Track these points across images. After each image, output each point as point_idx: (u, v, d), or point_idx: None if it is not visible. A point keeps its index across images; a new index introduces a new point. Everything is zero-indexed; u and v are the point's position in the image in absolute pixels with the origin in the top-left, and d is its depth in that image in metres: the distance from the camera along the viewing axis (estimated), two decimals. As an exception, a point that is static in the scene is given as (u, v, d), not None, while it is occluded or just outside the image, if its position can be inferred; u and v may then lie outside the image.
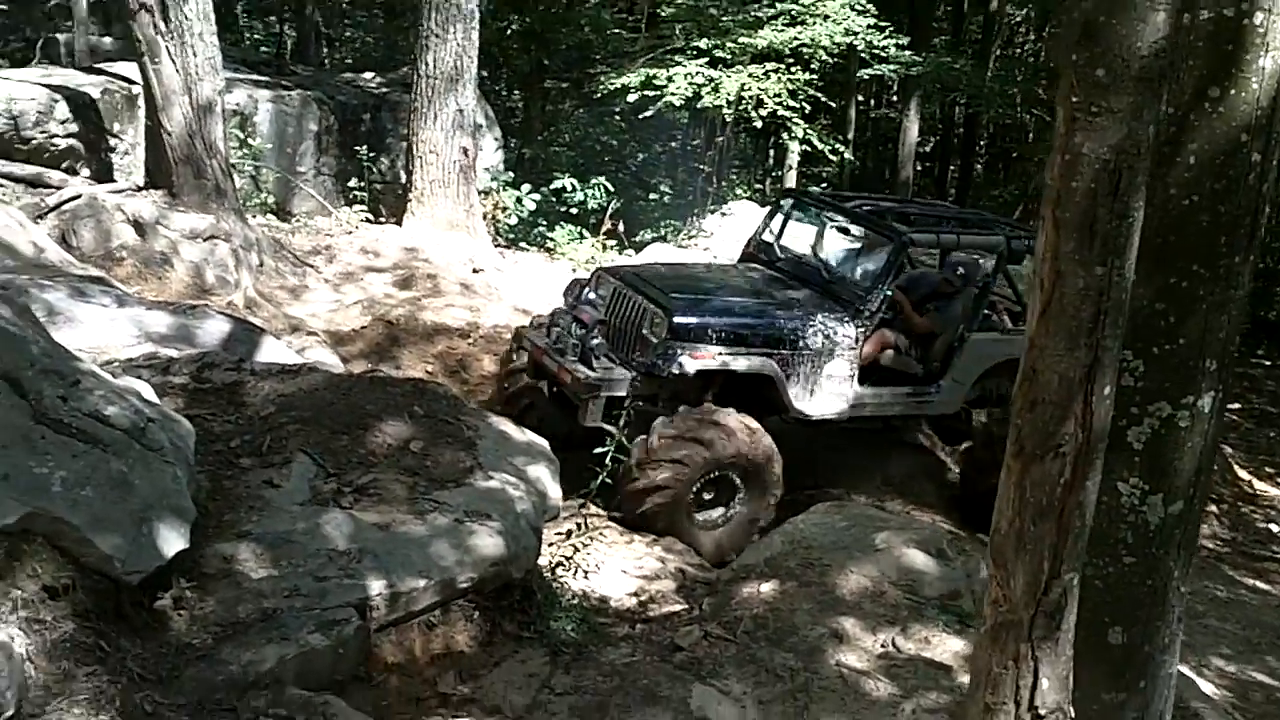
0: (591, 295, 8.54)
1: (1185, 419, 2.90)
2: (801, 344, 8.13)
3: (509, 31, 18.93)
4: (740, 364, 7.97)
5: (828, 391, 8.28)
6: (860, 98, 23.95)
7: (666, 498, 7.41)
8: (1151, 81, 2.29)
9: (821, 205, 9.88)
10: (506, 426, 6.11)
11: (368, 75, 16.05)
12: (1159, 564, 2.97)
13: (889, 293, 8.54)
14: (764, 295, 8.61)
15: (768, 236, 9.56)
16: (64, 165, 11.28)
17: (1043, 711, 2.53)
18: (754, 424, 7.72)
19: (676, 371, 7.69)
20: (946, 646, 5.26)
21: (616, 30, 20.03)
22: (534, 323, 8.97)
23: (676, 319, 7.85)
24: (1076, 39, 2.32)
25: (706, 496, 7.68)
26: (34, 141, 11.10)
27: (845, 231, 9.74)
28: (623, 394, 7.79)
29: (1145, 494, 2.95)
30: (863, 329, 8.34)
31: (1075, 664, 2.63)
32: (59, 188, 10.39)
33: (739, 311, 8.21)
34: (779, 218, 9.66)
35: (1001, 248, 8.86)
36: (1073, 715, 2.62)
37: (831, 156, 17.00)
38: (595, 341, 7.91)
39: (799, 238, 9.76)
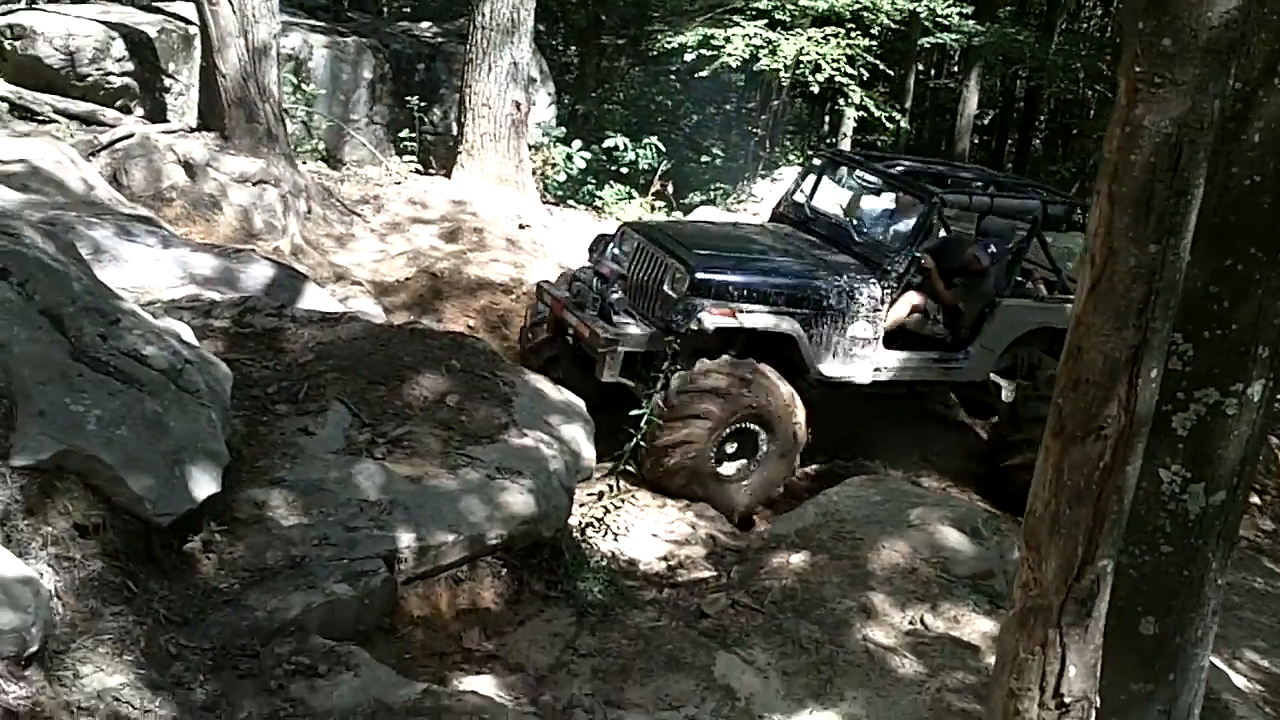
0: (615, 251, 8.45)
1: (1233, 406, 2.81)
2: (825, 304, 7.99)
3: (567, -16, 18.83)
4: (761, 322, 7.83)
5: (851, 354, 8.15)
6: (920, 66, 23.63)
7: (688, 454, 7.34)
8: (1220, 54, 2.19)
9: (854, 165, 9.71)
10: (543, 384, 6.08)
11: (424, 25, 15.97)
12: (1197, 554, 2.89)
13: (918, 255, 8.39)
14: (789, 255, 8.47)
15: (799, 197, 9.39)
16: (118, 103, 11.31)
17: (1068, 699, 2.47)
18: (773, 374, 7.60)
19: (695, 327, 7.55)
20: (976, 626, 5.19)
21: (676, -13, 19.84)
22: (560, 278, 8.89)
23: (698, 275, 7.73)
24: (1144, 6, 2.23)
25: (729, 449, 7.59)
26: (90, 79, 11.13)
27: (878, 193, 9.56)
28: (641, 349, 7.71)
29: (1187, 482, 2.86)
30: (889, 291, 8.20)
31: (1104, 652, 2.56)
32: (112, 126, 10.42)
33: (762, 270, 8.07)
34: (811, 178, 9.51)
35: (1037, 212, 8.66)
36: (1098, 704, 2.55)
37: (888, 124, 16.78)
38: (615, 296, 7.83)
39: (833, 199, 9.60)
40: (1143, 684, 2.94)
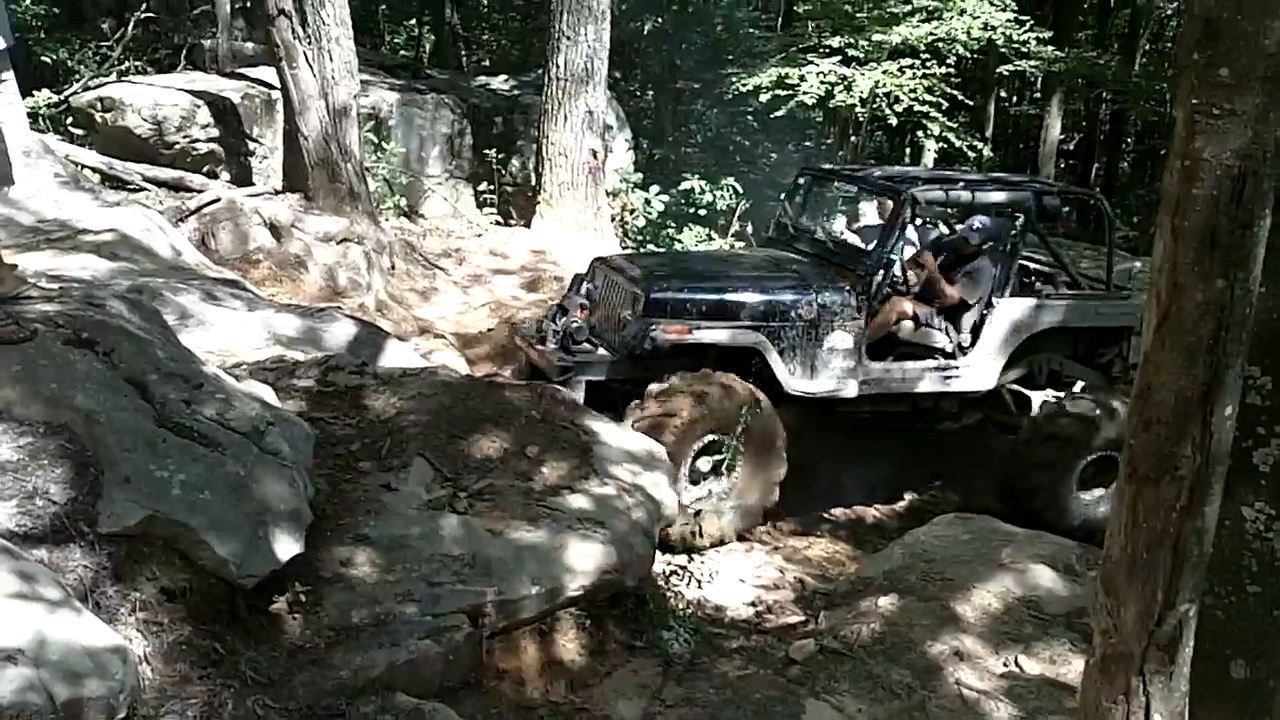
0: (588, 285, 8.23)
1: (1316, 440, 2.72)
2: (794, 315, 7.59)
3: (642, 32, 18.94)
4: (721, 336, 7.47)
5: (831, 366, 7.72)
6: (1002, 94, 23.40)
7: None
8: (1279, 81, 2.14)
9: (834, 178, 9.30)
10: (623, 432, 6.08)
11: (501, 78, 16.22)
12: (1286, 594, 2.80)
13: (893, 257, 7.98)
14: (760, 271, 8.09)
15: (784, 218, 8.99)
16: (205, 169, 11.64)
17: (1155, 749, 2.40)
18: (735, 380, 7.24)
19: (649, 347, 7.22)
20: (1073, 667, 5.04)
21: (750, 29, 19.87)
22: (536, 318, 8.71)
23: (653, 295, 7.40)
24: (1198, 37, 2.18)
25: (704, 467, 7.16)
26: (177, 146, 11.47)
27: (853, 203, 9.28)
28: (601, 377, 7.49)
29: (1272, 520, 2.76)
30: (864, 297, 7.76)
31: (1194, 699, 2.48)
32: (200, 191, 10.72)
33: (723, 287, 7.69)
34: (797, 196, 9.11)
35: (1028, 204, 8.09)
36: (1188, 754, 2.47)
37: (969, 153, 16.63)
38: (575, 326, 7.60)
39: (825, 215, 9.35)
40: (1236, 730, 2.85)
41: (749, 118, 18.93)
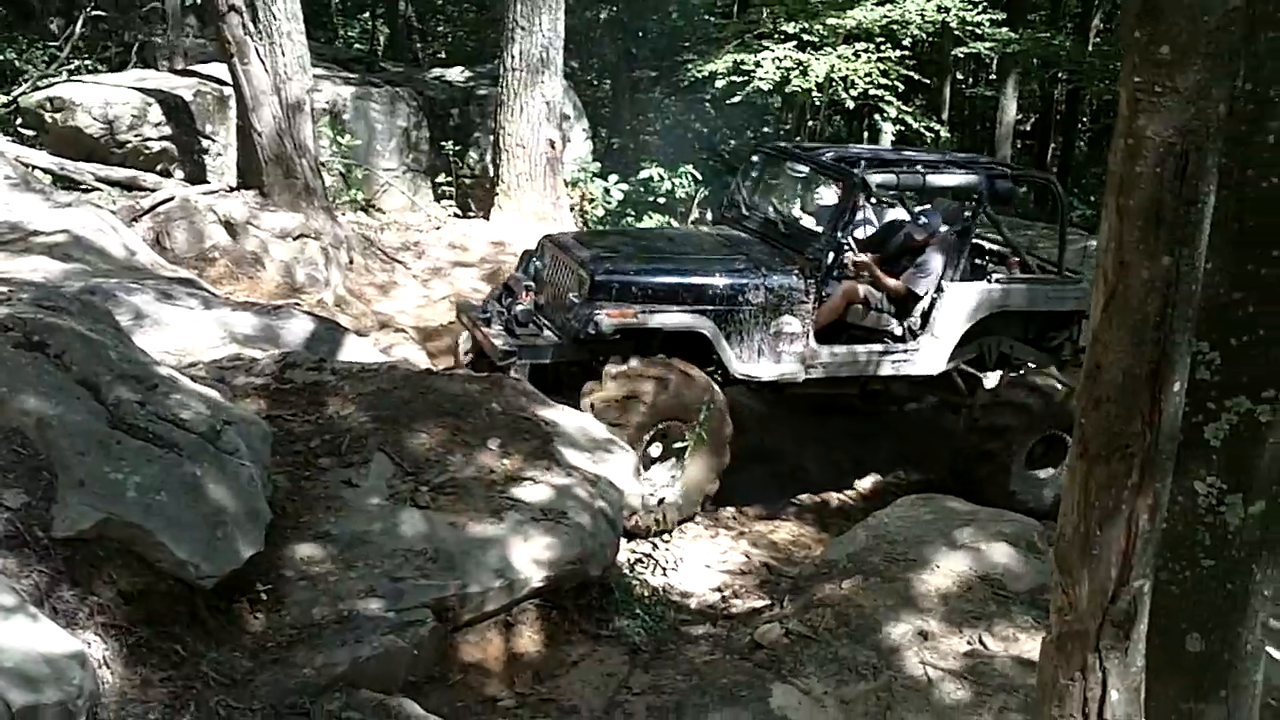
0: (537, 264, 8.16)
1: (1266, 414, 2.73)
2: (741, 299, 7.55)
3: (598, 20, 18.90)
4: (666, 320, 7.39)
5: (778, 350, 7.67)
6: (958, 76, 23.48)
7: None
8: (1220, 57, 2.14)
9: (786, 157, 9.10)
10: (584, 421, 6.07)
11: (456, 70, 16.12)
12: (1239, 567, 2.80)
13: (845, 241, 8.01)
14: (709, 253, 8.03)
15: (739, 196, 8.96)
16: (158, 167, 11.50)
17: (1112, 725, 2.42)
18: (690, 368, 7.24)
19: (593, 331, 7.14)
20: (1036, 644, 5.05)
21: (705, 16, 19.86)
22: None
23: (598, 277, 7.35)
24: (1137, 14, 2.19)
25: (654, 453, 7.19)
26: (129, 145, 11.33)
27: (810, 183, 9.24)
28: (546, 360, 7.43)
29: (1224, 494, 2.78)
30: (813, 281, 7.73)
31: (1150, 674, 2.50)
32: (153, 190, 10.60)
33: (671, 269, 7.64)
34: (750, 176, 9.10)
35: (980, 187, 8.03)
36: (1146, 728, 2.49)
37: (926, 133, 16.68)
38: (519, 308, 7.50)
39: (779, 196, 9.30)
40: (1193, 703, 2.86)
41: (706, 105, 18.93)
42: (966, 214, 8.36)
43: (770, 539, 7.56)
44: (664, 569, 6.34)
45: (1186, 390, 2.37)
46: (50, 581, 3.74)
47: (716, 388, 7.29)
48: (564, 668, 4.96)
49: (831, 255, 7.88)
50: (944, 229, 8.33)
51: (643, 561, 6.21)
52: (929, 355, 8.11)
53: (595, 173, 14.80)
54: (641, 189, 15.06)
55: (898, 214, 9.29)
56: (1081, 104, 26.21)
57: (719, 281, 7.61)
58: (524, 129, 12.83)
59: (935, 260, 8.12)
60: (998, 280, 8.28)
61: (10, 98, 12.20)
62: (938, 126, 17.38)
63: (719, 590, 6.37)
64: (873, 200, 9.00)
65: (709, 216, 14.28)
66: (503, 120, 12.93)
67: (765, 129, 20.36)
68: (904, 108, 15.89)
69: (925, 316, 8.07)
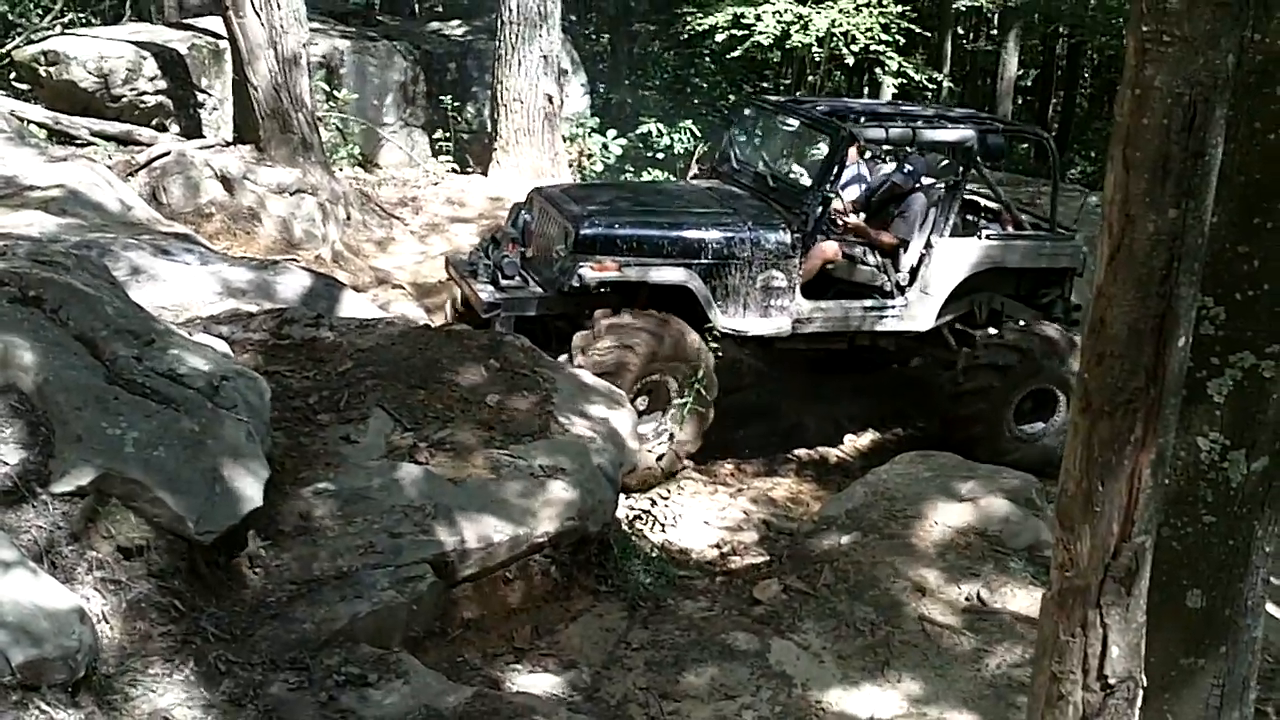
0: (525, 216, 8.11)
1: (1270, 369, 2.71)
2: (727, 254, 7.53)
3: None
4: (649, 275, 7.37)
5: (763, 305, 7.65)
6: (960, 30, 23.30)
7: None
8: (1229, 5, 2.11)
9: (776, 109, 9.08)
10: (584, 377, 6.06)
11: (454, 23, 15.98)
12: (1241, 523, 2.80)
13: (831, 195, 7.89)
14: (696, 206, 7.98)
15: (729, 148, 8.89)
16: (154, 122, 11.43)
17: (1112, 680, 2.40)
18: (679, 322, 7.25)
19: (576, 284, 7.17)
20: (1034, 600, 5.09)
21: (705, -31, 19.67)
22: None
23: (583, 231, 7.33)
24: (1146, -39, 2.15)
25: (640, 405, 7.18)
26: (124, 99, 11.26)
27: (798, 135, 9.17)
28: (531, 313, 7.42)
29: (1227, 449, 2.76)
30: (799, 235, 7.69)
31: (1150, 629, 2.49)
32: (149, 145, 10.54)
33: (656, 222, 7.62)
34: (740, 128, 9.07)
35: (971, 143, 7.95)
36: (1145, 683, 2.49)
37: (929, 86, 16.57)
38: (506, 260, 7.50)
39: (768, 149, 9.25)
40: (1193, 658, 2.86)
41: (705, 59, 18.79)
42: (956, 169, 8.29)
43: (769, 495, 7.57)
44: (663, 525, 6.34)
45: (1190, 345, 2.35)
46: (49, 537, 3.74)
47: (705, 346, 7.30)
48: (563, 623, 4.97)
49: (819, 210, 7.80)
50: (928, 181, 8.31)
51: (642, 518, 6.21)
52: (918, 312, 8.08)
53: (594, 128, 14.72)
54: (640, 144, 14.97)
55: (890, 170, 9.21)
56: (1083, 59, 26.05)
57: (706, 235, 7.59)
58: (521, 83, 12.73)
59: (917, 205, 8.10)
60: (989, 237, 8.24)
61: (3, 52, 12.10)
62: (939, 76, 17.27)
63: (718, 546, 6.39)
64: (865, 155, 8.95)
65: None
66: (500, 74, 12.84)
67: (765, 84, 20.23)
68: (905, 62, 15.79)
69: (914, 272, 8.04)
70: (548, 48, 12.81)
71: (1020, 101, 25.00)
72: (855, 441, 8.69)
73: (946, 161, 8.54)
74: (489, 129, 13.36)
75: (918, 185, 8.24)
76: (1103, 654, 2.40)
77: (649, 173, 14.45)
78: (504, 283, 7.42)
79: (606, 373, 6.70)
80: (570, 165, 13.67)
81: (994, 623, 5.02)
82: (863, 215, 8.44)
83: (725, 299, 7.57)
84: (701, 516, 6.74)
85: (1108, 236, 2.25)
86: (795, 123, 8.78)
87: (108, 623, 3.71)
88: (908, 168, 8.33)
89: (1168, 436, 2.33)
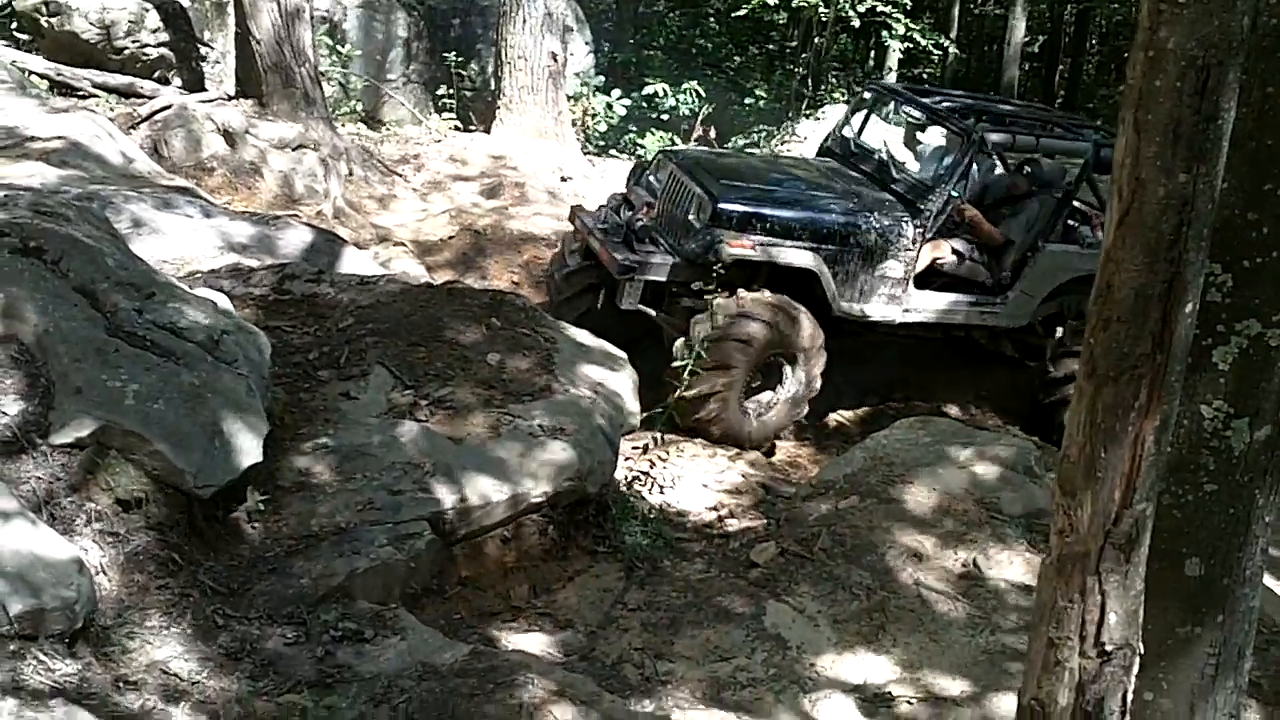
0: (651, 179, 8.24)
1: (1276, 338, 2.69)
2: (853, 241, 7.73)
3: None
4: (784, 256, 7.56)
5: (879, 293, 7.90)
6: (966, -6, 23.15)
7: (723, 402, 7.27)
8: (1246, -34, 2.08)
9: (902, 99, 9.26)
10: (584, 337, 6.05)
11: (459, -22, 15.85)
12: (1243, 492, 2.79)
13: (955, 194, 8.09)
14: (823, 190, 8.14)
15: (847, 132, 9.07)
16: (155, 75, 11.35)
17: (1109, 647, 2.40)
18: (804, 312, 7.50)
19: (714, 259, 7.24)
20: (1031, 567, 5.10)
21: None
22: (600, 206, 8.66)
23: (721, 205, 7.50)
24: (1160, -78, 2.12)
25: (754, 384, 7.52)
26: (126, 51, 11.18)
27: (923, 128, 9.29)
28: (662, 279, 7.55)
29: (1230, 418, 2.75)
30: (921, 229, 7.90)
31: (1148, 597, 2.49)
32: (151, 97, 10.46)
33: (790, 203, 7.80)
34: (860, 113, 9.21)
35: (1088, 154, 8.23)
36: (1142, 651, 2.49)
37: (935, 51, 16.49)
38: (639, 224, 7.65)
39: (883, 135, 9.34)
40: (1190, 627, 2.86)
41: (711, 19, 18.68)
42: (1070, 175, 8.50)
43: (767, 459, 7.57)
44: (661, 487, 6.35)
45: (1197, 313, 2.34)
46: (49, 488, 3.75)
47: (820, 332, 7.57)
48: (560, 582, 4.99)
49: (943, 207, 8.00)
50: (1044, 189, 8.50)
51: (640, 479, 6.21)
52: (1016, 308, 8.34)
53: (598, 87, 14.63)
54: (644, 105, 14.89)
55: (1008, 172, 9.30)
56: (1091, 25, 25.87)
57: (833, 219, 7.80)
58: (526, 41, 12.61)
59: (1033, 210, 8.33)
60: (1089, 245, 8.39)
61: (5, 1, 11.99)
62: (946, 43, 17.17)
63: (715, 509, 6.38)
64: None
65: (713, 134, 14.15)
66: (504, 32, 12.71)
67: (770, 46, 20.11)
68: (911, 25, 15.69)
69: (1017, 271, 8.26)
70: (552, 4, 12.69)
71: (1027, 68, 24.86)
72: (854, 408, 8.69)
73: (1061, 170, 8.71)
74: (492, 87, 13.27)
75: (1035, 189, 8.45)
76: (1100, 620, 2.39)
77: (653, 134, 14.39)
78: (637, 246, 7.59)
79: (740, 342, 7.17)
80: (573, 125, 13.59)
81: (989, 589, 5.03)
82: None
83: (844, 284, 7.80)
84: (700, 479, 6.74)
85: (1117, 200, 2.22)
86: (918, 114, 8.95)
87: (106, 574, 3.72)
88: (1029, 171, 8.55)
89: (1172, 403, 2.31)
